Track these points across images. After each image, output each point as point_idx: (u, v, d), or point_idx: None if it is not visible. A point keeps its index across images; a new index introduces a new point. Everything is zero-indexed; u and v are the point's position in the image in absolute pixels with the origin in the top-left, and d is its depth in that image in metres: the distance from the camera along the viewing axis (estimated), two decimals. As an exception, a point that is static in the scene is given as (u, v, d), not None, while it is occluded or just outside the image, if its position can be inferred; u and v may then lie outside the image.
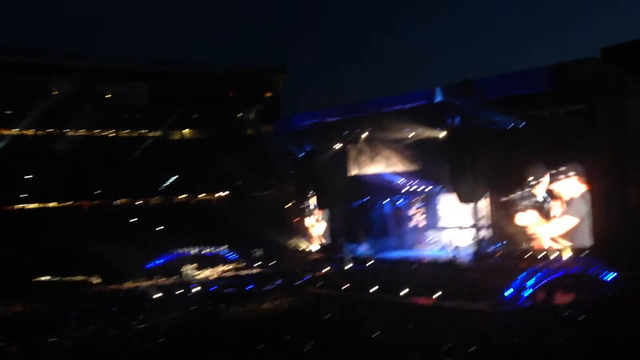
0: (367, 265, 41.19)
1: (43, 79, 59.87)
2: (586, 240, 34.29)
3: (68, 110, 58.88)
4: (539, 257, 34.76)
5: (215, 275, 41.29)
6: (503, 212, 39.14)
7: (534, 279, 26.53)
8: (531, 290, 26.24)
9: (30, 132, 59.90)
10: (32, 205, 55.61)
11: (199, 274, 41.41)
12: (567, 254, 34.14)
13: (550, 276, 26.91)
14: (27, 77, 58.82)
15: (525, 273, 26.77)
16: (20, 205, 55.05)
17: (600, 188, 33.26)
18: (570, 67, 33.33)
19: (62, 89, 60.34)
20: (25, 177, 54.42)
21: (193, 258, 45.13)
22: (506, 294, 26.05)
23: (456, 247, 40.62)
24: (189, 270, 41.99)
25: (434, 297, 27.68)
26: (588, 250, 33.32)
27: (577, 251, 33.86)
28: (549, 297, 25.62)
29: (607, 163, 33.12)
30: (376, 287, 31.35)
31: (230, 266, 43.77)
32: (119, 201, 59.97)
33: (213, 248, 46.88)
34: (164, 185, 60.36)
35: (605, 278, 28.06)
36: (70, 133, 61.25)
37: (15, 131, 58.46)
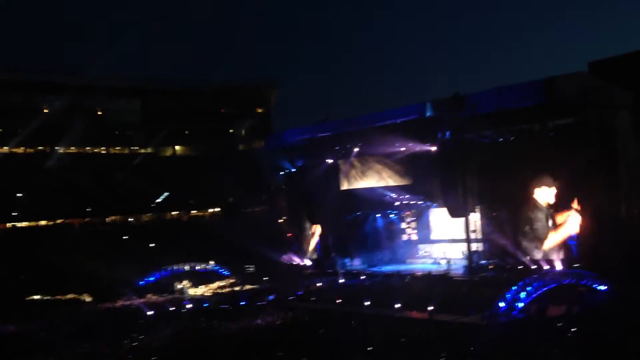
0: (359, 279, 41.20)
1: (34, 97, 59.87)
2: (578, 253, 34.44)
3: (60, 127, 58.88)
4: (531, 269, 34.81)
5: (209, 292, 41.09)
6: (494, 226, 39.35)
7: (526, 291, 26.60)
8: (524, 302, 26.33)
9: (21, 149, 59.73)
10: (23, 224, 55.33)
11: (193, 291, 41.21)
12: (559, 267, 34.25)
13: (543, 288, 26.99)
14: (19, 94, 58.82)
15: (517, 285, 26.83)
16: (11, 224, 54.75)
17: (591, 201, 33.42)
18: (560, 81, 33.61)
19: (54, 106, 60.42)
20: (16, 195, 54.14)
21: (186, 274, 44.99)
22: (499, 306, 26.12)
23: (448, 261, 40.71)
24: (183, 287, 41.81)
25: (427, 310, 27.68)
26: (579, 263, 33.41)
27: (569, 264, 33.95)
28: (542, 309, 25.71)
29: (598, 176, 33.33)
30: (369, 302, 31.35)
31: (224, 282, 43.57)
32: (110, 218, 59.73)
33: (205, 264, 46.76)
34: (156, 201, 60.22)
35: (597, 290, 28.26)
36: (62, 150, 61.12)
37: (5, 149, 58.29)
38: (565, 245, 35.19)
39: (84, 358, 24.00)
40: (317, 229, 50.61)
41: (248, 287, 41.55)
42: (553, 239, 35.72)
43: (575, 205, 34.44)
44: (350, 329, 26.03)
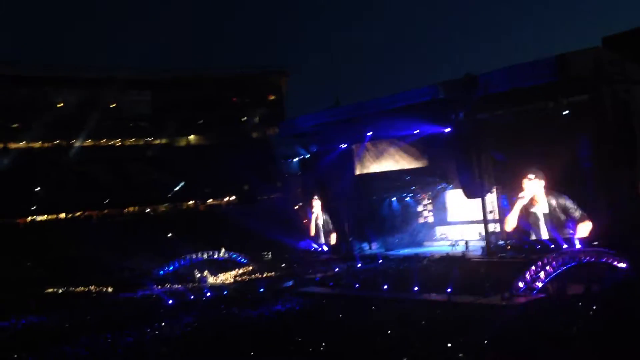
0: (377, 263, 41.28)
1: (48, 91, 60.23)
2: (596, 230, 34.23)
3: (74, 121, 59.31)
4: (549, 248, 34.65)
5: (228, 280, 41.36)
6: (511, 205, 39.20)
7: (545, 270, 26.53)
8: (543, 282, 26.26)
9: (37, 144, 60.24)
10: (41, 217, 55.95)
11: (213, 279, 41.51)
12: (578, 245, 34.06)
13: (562, 267, 26.89)
14: (33, 89, 59.20)
15: (536, 265, 26.75)
16: (30, 218, 55.38)
17: (608, 178, 33.15)
18: (572, 57, 33.25)
19: (68, 100, 60.79)
20: (35, 189, 54.72)
21: (204, 263, 45.36)
22: (518, 286, 26.09)
23: (466, 242, 40.64)
24: (203, 275, 42.14)
25: (446, 292, 27.69)
26: (598, 241, 33.20)
27: (588, 241, 33.74)
28: (562, 288, 25.61)
29: (615, 153, 33.03)
30: (387, 285, 31.42)
31: (242, 270, 43.82)
32: (128, 209, 60.23)
33: (223, 252, 47.07)
34: (173, 191, 60.59)
35: (617, 267, 28.10)
36: (77, 144, 61.60)
37: (22, 144, 58.82)
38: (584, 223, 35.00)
39: (106, 347, 24.29)
40: (333, 214, 50.71)
41: (266, 274, 41.79)
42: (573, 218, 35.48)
43: (592, 182, 34.09)
44: (369, 313, 26.09)
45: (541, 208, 37.05)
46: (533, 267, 26.67)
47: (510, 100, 35.97)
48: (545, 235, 36.24)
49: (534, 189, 36.80)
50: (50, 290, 41.96)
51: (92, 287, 41.47)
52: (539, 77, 34.34)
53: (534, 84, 34.51)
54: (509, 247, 38.11)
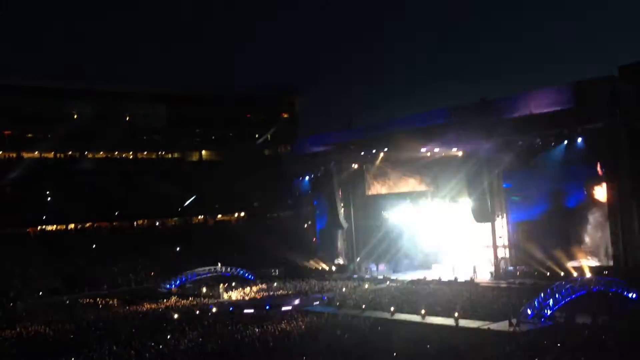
0: (385, 284, 41.04)
1: (64, 103, 60.72)
2: (607, 259, 33.92)
3: (88, 133, 59.76)
4: (559, 276, 34.33)
5: (240, 296, 41.08)
6: (522, 231, 39.00)
7: (554, 298, 26.22)
8: (552, 309, 25.95)
9: (51, 154, 60.65)
10: (51, 227, 56.16)
11: (227, 295, 41.32)
12: (587, 273, 33.73)
13: (572, 295, 26.58)
14: (49, 100, 59.69)
15: (545, 292, 26.46)
16: (40, 227, 55.60)
17: (620, 207, 32.91)
18: (589, 85, 33.24)
19: (83, 112, 61.29)
20: (46, 199, 54.99)
21: (211, 279, 45.29)
22: (527, 313, 25.79)
23: (474, 267, 40.34)
24: (219, 290, 42.04)
25: (454, 316, 27.40)
26: (608, 270, 32.88)
27: (598, 270, 33.43)
28: (571, 316, 25.30)
29: (628, 182, 32.84)
30: (394, 307, 31.18)
31: (256, 287, 43.45)
32: (137, 222, 60.35)
33: (231, 268, 47.02)
34: (183, 206, 60.69)
35: (627, 298, 27.76)
36: (90, 155, 61.99)
37: (36, 154, 59.26)
38: (595, 251, 34.72)
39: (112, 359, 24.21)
40: (342, 234, 50.66)
41: (278, 292, 41.57)
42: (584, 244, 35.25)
43: (604, 211, 33.92)
44: (375, 335, 25.86)
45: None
46: (542, 294, 26.36)
47: (524, 126, 35.91)
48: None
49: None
50: (58, 299, 41.99)
51: (99, 300, 41.40)
52: (554, 103, 34.39)
53: (549, 111, 34.54)
54: (519, 273, 37.85)
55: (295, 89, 72.98)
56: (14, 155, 58.62)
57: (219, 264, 46.42)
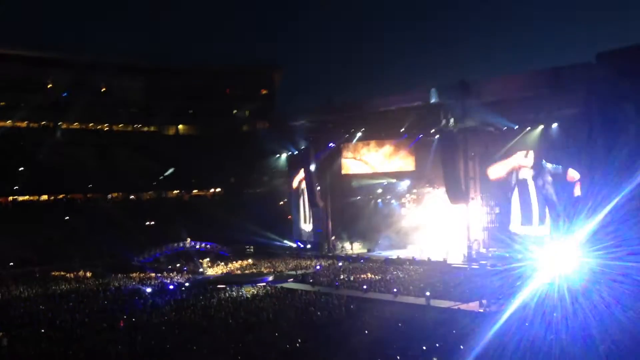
0: (358, 263, 41.31)
1: (40, 72, 59.51)
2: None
3: (63, 103, 58.75)
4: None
5: (222, 270, 41.13)
6: (494, 214, 39.50)
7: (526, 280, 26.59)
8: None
9: (24, 124, 59.58)
10: (24, 197, 55.36)
11: (212, 270, 41.31)
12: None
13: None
14: (24, 69, 58.45)
15: (516, 274, 26.86)
16: (12, 198, 54.77)
17: (594, 191, 33.34)
18: (567, 71, 33.50)
19: (59, 81, 60.18)
20: (18, 169, 54.10)
21: (186, 253, 45.19)
22: (497, 294, 26.14)
23: (448, 248, 40.75)
24: (203, 264, 42.10)
25: (425, 296, 27.72)
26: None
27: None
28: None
29: (602, 168, 33.23)
30: (367, 286, 31.46)
31: (238, 263, 43.46)
32: (112, 195, 59.75)
33: (205, 244, 46.92)
34: (162, 177, 60.16)
35: None
36: (65, 126, 61.02)
37: (8, 123, 58.15)
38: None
39: (83, 331, 24.11)
40: (317, 212, 50.72)
41: (247, 268, 41.69)
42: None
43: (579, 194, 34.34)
44: (348, 312, 26.09)
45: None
46: (512, 276, 26.75)
47: (501, 109, 36.15)
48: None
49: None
50: (29, 270, 41.60)
51: (71, 273, 41.07)
52: (532, 88, 34.65)
53: (526, 95, 34.81)
54: (490, 254, 38.35)
55: (275, 64, 72.30)
56: (-14, 123, 57.49)
57: (188, 239, 46.31)
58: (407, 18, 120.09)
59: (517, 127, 36.98)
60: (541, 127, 36.04)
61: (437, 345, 19.40)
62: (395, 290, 29.79)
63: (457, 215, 41.31)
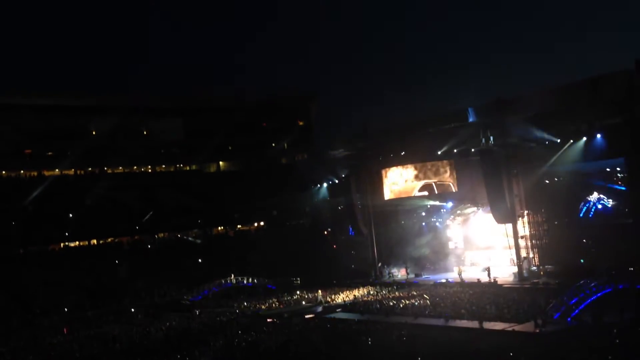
0: (406, 288, 40.78)
1: (82, 119, 61.17)
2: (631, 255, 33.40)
3: (107, 148, 60.20)
4: (584, 274, 33.83)
5: (267, 306, 41.03)
6: (544, 231, 38.65)
7: (579, 297, 25.86)
8: (578, 308, 25.58)
9: (71, 172, 61.13)
10: (74, 243, 56.58)
11: (254, 307, 41.31)
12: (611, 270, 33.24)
13: (598, 293, 26.20)
14: (66, 117, 60.15)
15: (570, 291, 26.13)
16: (63, 244, 56.02)
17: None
18: (606, 80, 32.91)
19: (100, 128, 61.73)
20: (68, 215, 55.41)
21: (234, 290, 45.37)
22: (552, 313, 25.46)
23: (497, 268, 39.96)
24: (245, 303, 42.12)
25: (478, 319, 27.13)
26: (633, 268, 32.36)
27: (622, 267, 32.91)
28: (597, 315, 24.89)
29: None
30: (417, 311, 31.00)
31: (280, 296, 43.34)
32: (158, 235, 60.58)
33: (253, 279, 47.07)
34: (202, 217, 60.79)
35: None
36: (110, 171, 62.44)
37: (56, 172, 59.73)
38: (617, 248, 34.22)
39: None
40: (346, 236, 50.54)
41: (297, 300, 41.49)
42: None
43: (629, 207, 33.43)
44: (399, 339, 25.68)
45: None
46: (567, 293, 26.02)
47: (541, 124, 35.64)
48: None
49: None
50: (81, 314, 42.27)
51: (124, 313, 41.58)
52: (571, 100, 34.08)
53: (566, 107, 34.27)
54: (542, 272, 37.45)
55: (311, 94, 72.61)
56: (35, 174, 59.12)
57: (232, 275, 46.46)
58: (436, 38, 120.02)
59: (559, 140, 36.31)
60: (584, 139, 35.31)
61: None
62: (446, 314, 29.25)
63: (505, 234, 40.55)
